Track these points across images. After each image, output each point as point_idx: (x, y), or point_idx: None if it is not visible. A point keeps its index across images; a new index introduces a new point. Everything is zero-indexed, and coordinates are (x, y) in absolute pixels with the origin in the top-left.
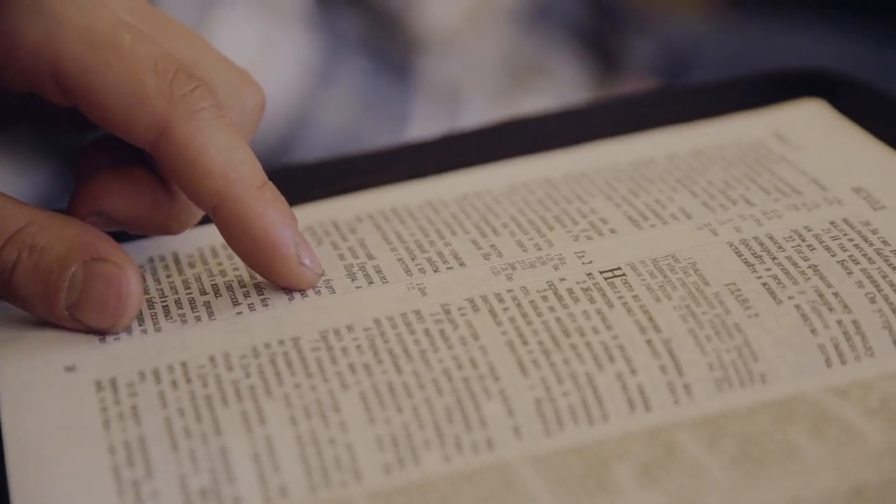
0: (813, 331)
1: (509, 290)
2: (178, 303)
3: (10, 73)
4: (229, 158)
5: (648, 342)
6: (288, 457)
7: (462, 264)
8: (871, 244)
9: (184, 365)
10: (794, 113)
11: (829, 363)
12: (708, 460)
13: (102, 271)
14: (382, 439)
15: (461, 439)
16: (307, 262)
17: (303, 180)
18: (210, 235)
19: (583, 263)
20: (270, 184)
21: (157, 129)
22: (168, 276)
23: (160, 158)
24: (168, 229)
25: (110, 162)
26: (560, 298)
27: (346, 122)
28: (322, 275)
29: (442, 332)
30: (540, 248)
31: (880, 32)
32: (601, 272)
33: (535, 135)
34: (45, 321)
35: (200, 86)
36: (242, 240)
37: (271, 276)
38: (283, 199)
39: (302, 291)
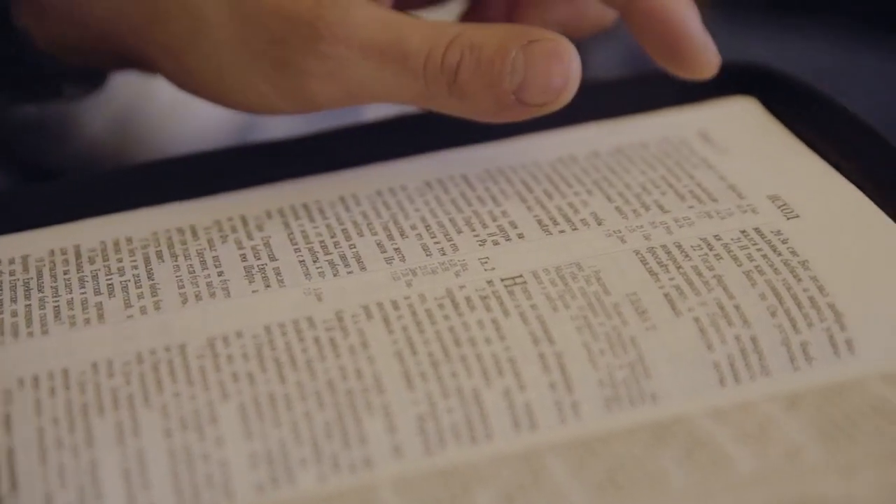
0: (709, 346)
1: (406, 297)
2: (70, 303)
3: None
4: None
5: (541, 355)
6: (159, 473)
7: (363, 268)
8: (780, 254)
9: (65, 372)
10: (722, 111)
11: (722, 382)
12: (572, 487)
13: (541, 49)
14: (257, 456)
15: (339, 458)
16: (713, 50)
17: (213, 169)
18: (115, 228)
19: (485, 270)
20: None
21: None
22: (65, 273)
23: None
24: (601, 24)
25: None
26: (456, 306)
27: None
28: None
29: (332, 340)
30: (444, 253)
31: (854, 39)
32: (502, 280)
33: (457, 128)
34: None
35: None
36: (656, 29)
37: (680, 64)
38: None
39: (197, 295)
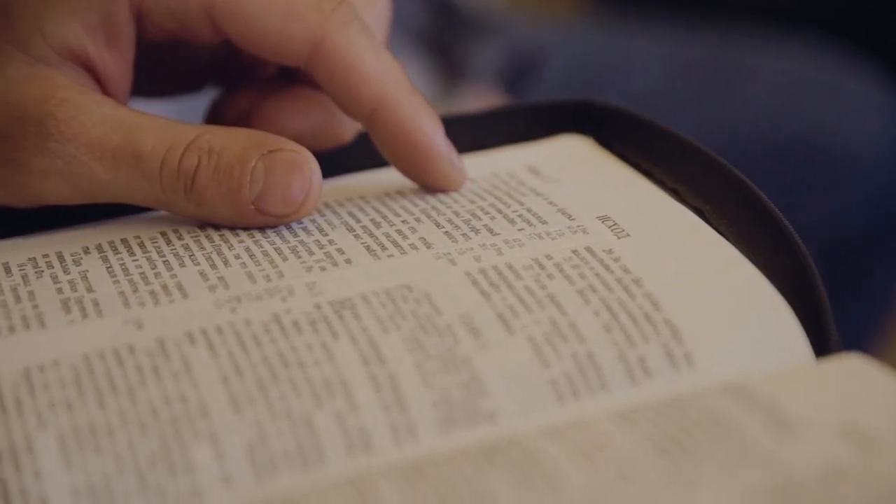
0: (545, 363)
1: (230, 323)
2: None
3: (159, 14)
4: (383, 65)
5: (372, 377)
6: None
7: (185, 296)
8: (612, 272)
9: None
10: (551, 148)
11: (560, 399)
12: None
13: (282, 159)
14: (79, 489)
15: (165, 488)
16: (457, 163)
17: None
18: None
19: (312, 295)
20: (418, 91)
21: (312, 43)
22: None
23: (317, 70)
24: (340, 138)
25: (249, 104)
26: (283, 330)
27: None
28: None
29: (154, 367)
30: (269, 280)
31: (727, 34)
32: (329, 303)
33: None
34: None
35: (344, 1)
36: (399, 143)
37: (425, 178)
38: (429, 105)
39: (10, 327)
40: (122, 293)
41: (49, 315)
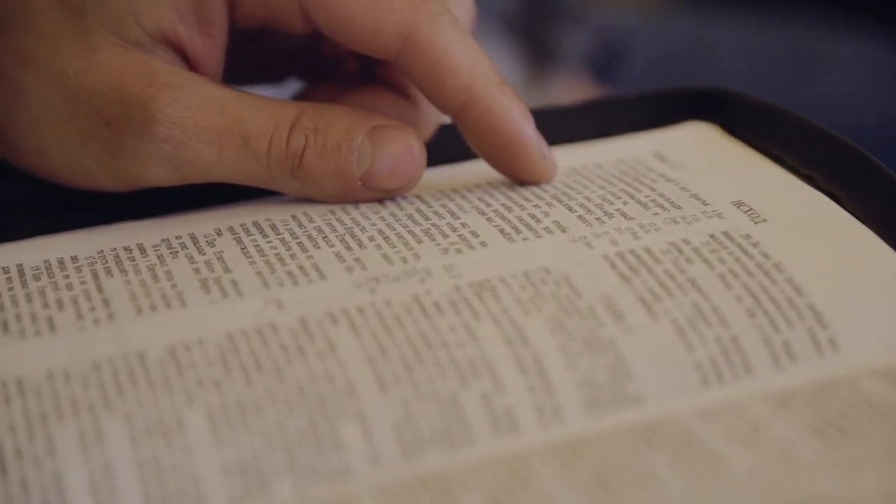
0: (689, 347)
1: (371, 303)
2: (18, 317)
3: (252, 1)
4: (473, 57)
5: (517, 357)
6: (127, 485)
7: (323, 277)
8: (752, 257)
9: (19, 381)
10: (676, 135)
11: (705, 382)
12: (561, 491)
13: (388, 135)
14: (230, 466)
15: (315, 466)
16: (548, 154)
17: (157, 192)
18: (59, 248)
19: (450, 276)
20: (507, 82)
21: (403, 35)
22: (10, 290)
23: (407, 63)
24: (428, 131)
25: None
26: (424, 311)
27: None
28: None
29: (299, 346)
30: (406, 262)
31: (815, 26)
32: (469, 284)
33: None
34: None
35: None
36: (490, 135)
37: (516, 170)
38: (518, 97)
39: (152, 306)
40: (259, 273)
41: (189, 294)
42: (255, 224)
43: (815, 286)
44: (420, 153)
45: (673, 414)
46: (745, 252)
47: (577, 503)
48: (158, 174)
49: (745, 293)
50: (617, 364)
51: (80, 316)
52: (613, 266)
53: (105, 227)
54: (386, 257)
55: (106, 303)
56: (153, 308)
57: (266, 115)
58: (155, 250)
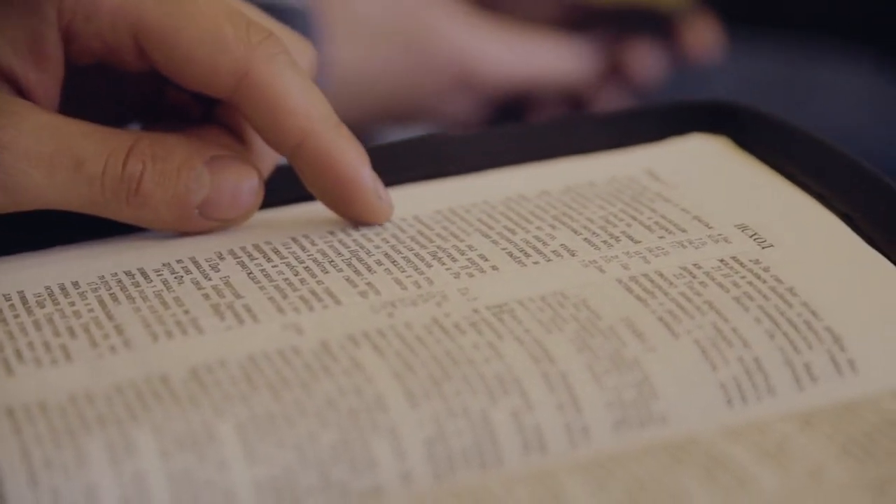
0: (713, 367)
1: (391, 326)
2: (30, 345)
3: (88, 37)
4: (309, 98)
5: (544, 374)
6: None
7: (338, 302)
8: (765, 281)
9: (42, 404)
10: (669, 150)
11: (730, 402)
12: None
13: (227, 165)
14: (262, 483)
15: (348, 485)
16: (383, 196)
17: None
18: (55, 273)
19: (467, 300)
20: (343, 124)
21: (238, 75)
22: (16, 317)
23: (242, 102)
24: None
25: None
26: (446, 332)
27: None
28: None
29: (324, 365)
30: (419, 286)
31: (793, 48)
32: (487, 307)
33: (400, 165)
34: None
35: (272, 34)
36: (324, 176)
37: (351, 211)
38: (355, 137)
39: (167, 332)
40: (272, 299)
41: (204, 320)
42: (256, 247)
43: (830, 310)
44: (259, 185)
45: (699, 433)
46: (758, 276)
47: None
48: None
49: (762, 315)
50: (643, 383)
51: (94, 343)
52: (629, 290)
53: (96, 247)
54: (398, 281)
55: (119, 330)
56: (169, 334)
57: (100, 139)
58: (158, 275)
